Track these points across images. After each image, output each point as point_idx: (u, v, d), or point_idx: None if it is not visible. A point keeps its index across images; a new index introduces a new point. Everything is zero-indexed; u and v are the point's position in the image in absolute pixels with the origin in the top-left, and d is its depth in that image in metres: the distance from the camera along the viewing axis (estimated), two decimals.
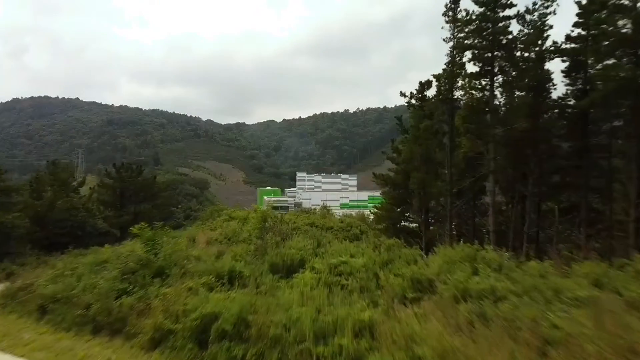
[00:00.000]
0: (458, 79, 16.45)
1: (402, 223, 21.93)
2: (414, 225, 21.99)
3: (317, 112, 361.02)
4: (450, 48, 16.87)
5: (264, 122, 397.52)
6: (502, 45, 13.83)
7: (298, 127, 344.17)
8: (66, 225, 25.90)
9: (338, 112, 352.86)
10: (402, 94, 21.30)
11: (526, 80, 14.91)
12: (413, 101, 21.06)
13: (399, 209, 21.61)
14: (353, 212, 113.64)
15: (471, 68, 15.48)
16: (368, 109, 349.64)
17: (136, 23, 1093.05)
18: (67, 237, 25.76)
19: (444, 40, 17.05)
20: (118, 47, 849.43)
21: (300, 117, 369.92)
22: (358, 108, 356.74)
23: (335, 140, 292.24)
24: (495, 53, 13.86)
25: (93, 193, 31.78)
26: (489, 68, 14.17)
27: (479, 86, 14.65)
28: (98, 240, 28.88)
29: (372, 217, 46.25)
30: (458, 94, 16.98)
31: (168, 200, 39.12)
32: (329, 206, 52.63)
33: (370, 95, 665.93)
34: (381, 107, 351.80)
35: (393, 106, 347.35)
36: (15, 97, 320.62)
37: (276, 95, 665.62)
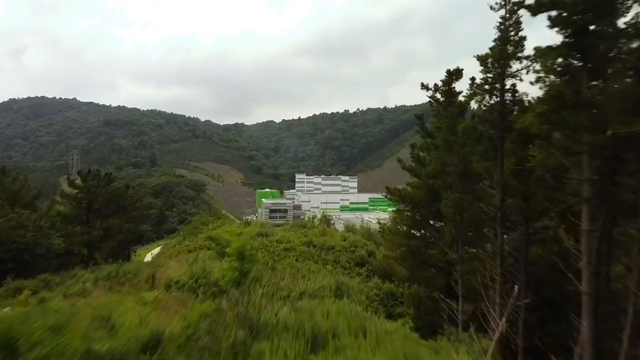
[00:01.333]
0: (512, 62, 11.62)
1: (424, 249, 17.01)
2: (431, 248, 17.13)
3: (317, 113, 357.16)
4: (500, 18, 11.99)
5: (263, 122, 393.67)
6: (599, 2, 8.94)
7: (297, 127, 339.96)
8: (9, 248, 21.18)
9: (338, 112, 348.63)
10: (425, 87, 16.39)
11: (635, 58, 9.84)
12: (438, 96, 16.24)
13: (419, 233, 16.63)
14: (356, 218, 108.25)
15: (540, 41, 10.67)
16: (368, 109, 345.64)
17: (136, 23, 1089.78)
18: (11, 262, 21.00)
19: (491, 7, 12.25)
20: (117, 47, 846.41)
21: (299, 117, 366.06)
22: (358, 108, 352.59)
23: (335, 141, 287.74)
24: (589, 14, 8.87)
25: (53, 206, 26.98)
26: (580, 38, 9.16)
27: (559, 68, 9.64)
28: (57, 262, 24.23)
29: (378, 228, 41.21)
30: (510, 83, 12.14)
31: (147, 209, 33.87)
32: (329, 213, 47.40)
33: (370, 96, 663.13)
34: (381, 107, 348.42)
35: (393, 106, 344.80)
36: (12, 98, 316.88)
37: (276, 95, 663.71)
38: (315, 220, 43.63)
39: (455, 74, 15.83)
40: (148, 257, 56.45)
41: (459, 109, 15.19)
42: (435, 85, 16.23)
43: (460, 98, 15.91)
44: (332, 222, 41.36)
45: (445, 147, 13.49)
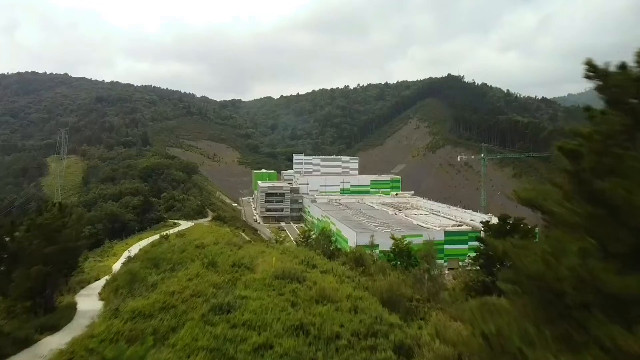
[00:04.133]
0: None
1: None
2: None
3: (316, 89, 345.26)
4: None
5: (260, 98, 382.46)
6: None
7: (296, 103, 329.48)
8: None
9: (337, 88, 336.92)
10: (593, 70, 5.32)
11: None
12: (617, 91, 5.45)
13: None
14: (357, 202, 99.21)
15: None
16: (369, 85, 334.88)
17: None
18: None
19: None
20: (113, 22, 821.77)
21: (298, 93, 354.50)
22: (358, 84, 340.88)
23: (335, 118, 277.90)
24: None
25: None
26: None
27: None
28: None
29: (394, 260, 33.96)
30: None
31: (76, 235, 22.28)
32: (329, 228, 39.30)
33: (371, 71, 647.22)
34: (382, 83, 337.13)
35: (395, 82, 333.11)
36: (1, 73, 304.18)
37: (274, 71, 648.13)
38: (312, 233, 36.41)
39: None
40: (119, 262, 47.03)
41: None
42: (623, 67, 4.99)
43: None
44: (333, 238, 34.12)
45: None
